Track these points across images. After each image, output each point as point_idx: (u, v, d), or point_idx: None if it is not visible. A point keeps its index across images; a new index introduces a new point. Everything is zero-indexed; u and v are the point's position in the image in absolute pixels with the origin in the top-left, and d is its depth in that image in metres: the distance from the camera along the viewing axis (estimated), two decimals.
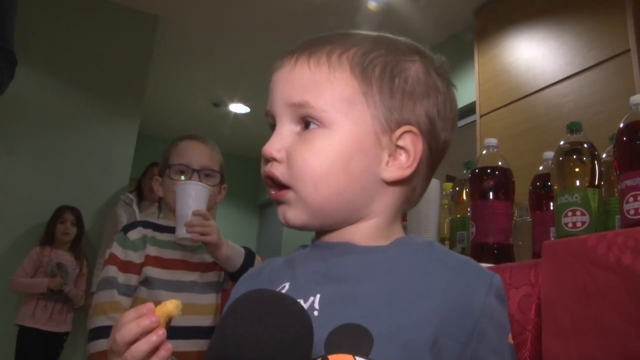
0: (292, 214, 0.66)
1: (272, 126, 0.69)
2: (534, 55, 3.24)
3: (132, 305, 1.40)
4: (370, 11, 3.82)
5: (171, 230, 1.48)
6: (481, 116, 3.47)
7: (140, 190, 3.59)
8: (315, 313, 0.60)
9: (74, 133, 3.65)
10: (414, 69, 0.68)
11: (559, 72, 3.04)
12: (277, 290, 0.65)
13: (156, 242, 1.47)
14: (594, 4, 2.93)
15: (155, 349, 0.60)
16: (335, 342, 0.56)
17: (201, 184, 1.45)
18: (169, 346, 0.61)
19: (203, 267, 1.50)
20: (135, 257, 1.41)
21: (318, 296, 0.61)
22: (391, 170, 0.65)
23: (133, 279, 1.40)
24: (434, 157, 0.70)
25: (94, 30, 3.86)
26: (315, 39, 0.69)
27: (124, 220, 3.25)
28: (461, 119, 3.92)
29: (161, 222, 1.55)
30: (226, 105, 5.73)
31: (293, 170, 0.64)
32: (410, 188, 0.69)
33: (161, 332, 0.60)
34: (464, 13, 3.77)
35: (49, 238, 3.34)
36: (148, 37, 4.09)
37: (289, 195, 0.65)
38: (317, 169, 0.63)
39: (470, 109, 3.68)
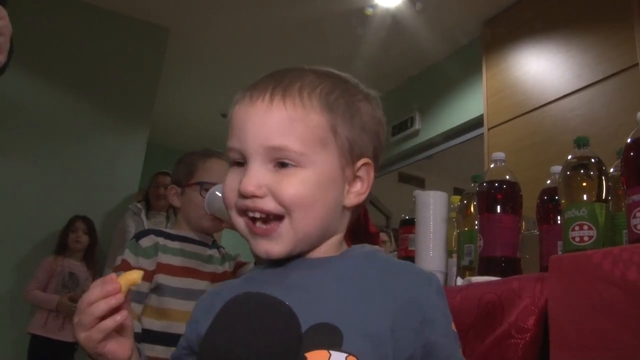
0: (278, 247, 0.70)
1: (237, 162, 0.73)
2: (541, 68, 3.25)
3: (143, 313, 1.42)
4: (377, 21, 3.83)
5: (183, 239, 1.50)
6: (489, 129, 3.48)
7: (147, 199, 3.61)
8: None
9: (85, 143, 3.68)
10: (363, 107, 0.75)
11: (566, 86, 3.05)
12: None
13: (168, 250, 1.48)
14: (601, 18, 2.94)
15: (112, 312, 0.68)
16: (310, 341, 0.63)
17: None
18: (125, 312, 0.69)
19: (213, 277, 1.51)
20: (147, 265, 1.42)
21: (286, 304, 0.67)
22: (350, 197, 0.74)
23: (144, 286, 1.41)
24: None
25: (106, 41, 3.90)
26: (280, 76, 0.73)
27: (132, 230, 3.26)
28: (469, 132, 3.93)
29: (172, 231, 1.56)
30: None
31: (284, 199, 0.68)
32: (357, 209, 0.78)
33: (120, 296, 0.68)
34: (472, 26, 3.79)
35: (61, 247, 3.37)
36: (158, 49, 4.13)
37: (281, 227, 0.70)
38: (307, 196, 0.69)
39: (478, 122, 3.69)
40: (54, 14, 3.74)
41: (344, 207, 0.74)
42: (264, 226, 0.70)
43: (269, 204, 0.69)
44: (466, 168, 2.75)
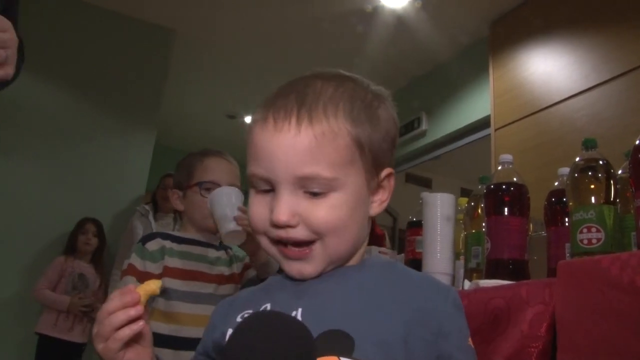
0: (311, 268, 0.70)
1: (261, 188, 0.70)
2: (548, 69, 3.24)
3: (150, 317, 1.42)
4: (383, 21, 3.83)
5: (190, 241, 1.50)
6: (496, 130, 3.47)
7: (155, 201, 3.62)
8: None
9: (92, 145, 3.70)
10: (381, 114, 0.74)
11: (573, 87, 3.03)
12: (260, 309, 0.70)
13: (175, 254, 1.48)
14: (607, 18, 2.93)
15: (131, 322, 0.67)
16: (321, 347, 0.63)
17: (237, 189, 1.49)
18: (142, 322, 0.69)
19: (220, 280, 1.51)
20: (154, 268, 1.42)
21: (300, 310, 0.67)
22: (374, 207, 0.75)
23: None
24: None
25: (112, 43, 3.92)
26: (300, 92, 0.70)
27: (140, 231, 3.27)
28: (476, 132, 3.92)
29: (179, 234, 1.56)
30: (241, 117, 5.77)
31: (318, 227, 0.68)
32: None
33: (139, 307, 0.68)
34: (478, 26, 3.78)
35: (71, 249, 3.38)
36: (164, 51, 4.14)
37: (314, 250, 0.69)
38: (340, 221, 0.69)
39: (484, 123, 3.68)
40: (62, 15, 3.76)
41: (369, 217, 0.75)
42: (296, 249, 0.69)
43: (302, 233, 0.68)
44: (473, 168, 2.74)
